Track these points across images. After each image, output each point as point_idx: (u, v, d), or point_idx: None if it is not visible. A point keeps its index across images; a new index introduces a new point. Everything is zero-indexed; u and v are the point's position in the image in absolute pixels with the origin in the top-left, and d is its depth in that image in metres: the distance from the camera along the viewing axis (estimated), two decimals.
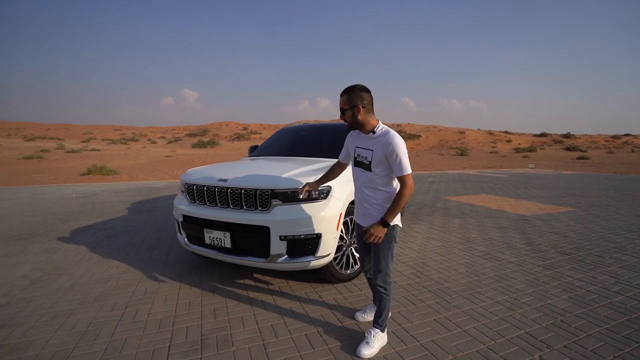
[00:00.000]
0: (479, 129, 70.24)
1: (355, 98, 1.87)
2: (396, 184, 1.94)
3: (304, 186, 2.31)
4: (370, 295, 2.63)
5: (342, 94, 1.91)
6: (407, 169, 1.83)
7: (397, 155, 1.82)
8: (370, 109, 1.91)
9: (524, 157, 32.12)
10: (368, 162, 1.93)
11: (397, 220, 1.92)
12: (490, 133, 64.63)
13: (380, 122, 1.95)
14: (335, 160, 2.32)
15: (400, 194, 1.84)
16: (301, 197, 2.41)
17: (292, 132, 4.65)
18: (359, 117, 1.88)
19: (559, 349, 2.01)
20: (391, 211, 1.83)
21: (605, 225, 4.98)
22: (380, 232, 1.82)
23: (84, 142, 53.88)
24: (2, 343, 2.05)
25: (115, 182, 10.75)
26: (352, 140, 2.08)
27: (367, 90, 1.91)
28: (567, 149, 43.45)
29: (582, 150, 39.12)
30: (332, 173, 2.36)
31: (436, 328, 2.23)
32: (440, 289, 2.82)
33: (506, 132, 69.78)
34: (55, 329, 2.21)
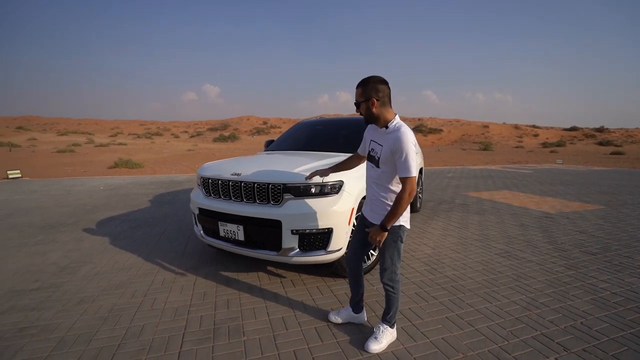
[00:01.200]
0: (504, 123, 67.63)
1: (370, 90, 1.80)
2: None
3: (313, 173, 2.32)
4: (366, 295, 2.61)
5: (357, 86, 1.85)
6: (412, 170, 1.72)
7: (402, 154, 1.73)
8: (386, 102, 1.83)
9: (551, 152, 30.71)
10: (377, 158, 1.89)
11: (403, 221, 1.88)
12: (516, 127, 62.06)
13: (397, 116, 1.87)
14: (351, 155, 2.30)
15: (399, 197, 1.75)
16: (309, 182, 2.46)
17: (308, 126, 4.66)
18: (374, 110, 1.82)
19: (577, 352, 1.93)
20: (390, 216, 1.77)
21: (638, 225, 4.69)
22: (380, 236, 1.80)
23: (112, 136, 56.26)
24: (33, 324, 2.21)
25: (139, 175, 11.18)
26: (370, 133, 2.02)
27: (384, 82, 1.83)
28: (600, 143, 41.09)
29: (616, 145, 36.86)
30: (347, 164, 2.34)
31: (447, 326, 2.19)
32: (454, 287, 2.76)
33: (534, 126, 66.76)
34: (80, 313, 2.35)
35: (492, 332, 2.12)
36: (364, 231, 2.06)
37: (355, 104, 1.88)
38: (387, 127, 1.84)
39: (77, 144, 31.15)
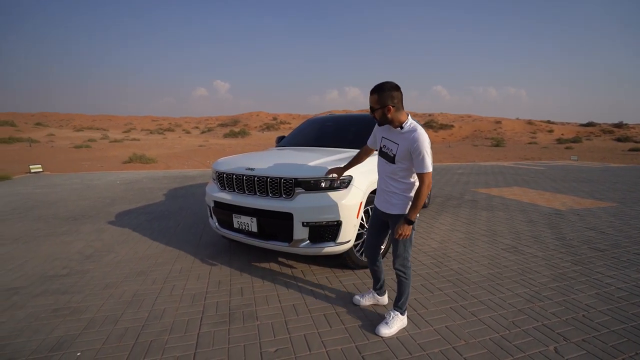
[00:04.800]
0: (517, 118, 66.24)
1: (385, 98, 1.90)
2: (416, 176, 2.00)
3: (330, 170, 2.48)
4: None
5: (371, 92, 1.94)
6: (428, 167, 1.88)
7: (420, 153, 1.87)
8: (400, 107, 1.94)
9: (566, 148, 30.03)
10: (392, 155, 2.00)
11: None
12: (530, 122, 60.70)
13: (409, 117, 1.99)
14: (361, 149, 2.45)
15: (419, 191, 1.92)
16: (322, 177, 2.61)
17: (317, 123, 4.76)
18: (389, 115, 1.93)
19: (577, 342, 2.00)
20: (412, 209, 1.93)
21: None
22: (407, 230, 1.94)
23: (125, 132, 57.41)
24: (65, 306, 2.40)
25: (153, 170, 11.49)
26: (381, 130, 2.13)
27: (398, 88, 1.93)
28: (618, 139, 39.88)
29: (635, 141, 35.76)
30: (359, 158, 2.48)
31: (451, 315, 2.29)
32: (460, 279, 2.84)
33: (548, 121, 65.20)
34: (106, 297, 2.54)
35: (494, 322, 2.20)
36: (378, 221, 2.22)
37: (370, 108, 1.98)
38: (401, 127, 1.96)
39: (92, 139, 31.96)
